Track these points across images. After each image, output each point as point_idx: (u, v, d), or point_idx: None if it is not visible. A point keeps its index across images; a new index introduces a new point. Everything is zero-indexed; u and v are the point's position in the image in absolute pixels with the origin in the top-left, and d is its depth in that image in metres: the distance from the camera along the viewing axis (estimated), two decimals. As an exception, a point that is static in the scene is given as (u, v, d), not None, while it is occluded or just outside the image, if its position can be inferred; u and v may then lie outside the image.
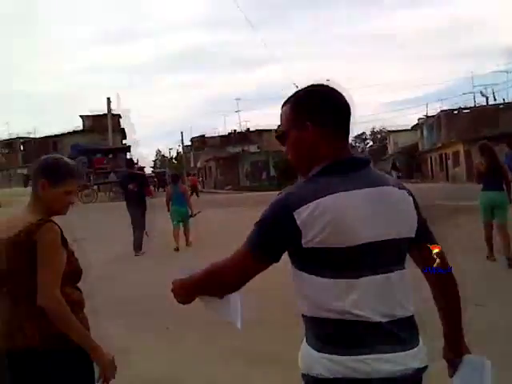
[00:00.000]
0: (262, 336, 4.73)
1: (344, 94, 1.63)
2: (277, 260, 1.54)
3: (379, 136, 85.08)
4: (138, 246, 10.31)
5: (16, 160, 44.40)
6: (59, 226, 2.14)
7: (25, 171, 42.44)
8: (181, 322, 5.30)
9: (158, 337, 5.15)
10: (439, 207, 13.78)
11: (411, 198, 1.62)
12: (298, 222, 1.44)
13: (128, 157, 29.93)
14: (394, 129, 56.31)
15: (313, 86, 1.64)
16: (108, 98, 37.64)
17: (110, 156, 31.82)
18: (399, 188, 1.62)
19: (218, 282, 1.63)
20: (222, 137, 57.16)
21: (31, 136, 48.03)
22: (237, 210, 16.42)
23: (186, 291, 1.70)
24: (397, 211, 1.56)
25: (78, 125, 46.18)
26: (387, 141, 61.30)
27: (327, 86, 1.64)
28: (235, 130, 57.54)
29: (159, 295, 5.53)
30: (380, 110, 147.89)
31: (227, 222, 13.77)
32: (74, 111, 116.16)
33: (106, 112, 38.49)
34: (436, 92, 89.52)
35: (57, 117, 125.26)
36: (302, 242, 1.45)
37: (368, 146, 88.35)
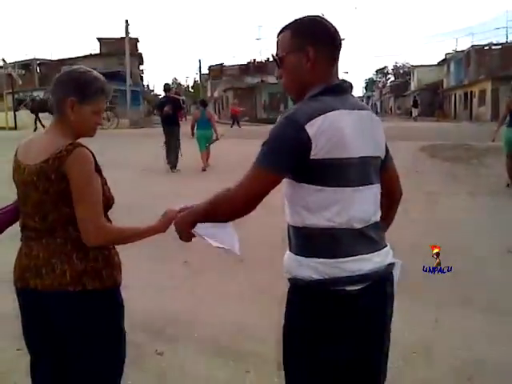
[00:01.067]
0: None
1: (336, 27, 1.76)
2: (287, 174, 1.66)
3: (402, 71, 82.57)
4: (174, 165, 11.79)
5: (33, 82, 43.84)
6: (91, 151, 1.87)
7: (41, 93, 42.06)
8: (200, 256, 5.16)
9: (176, 270, 5.00)
10: (467, 147, 13.38)
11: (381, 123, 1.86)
12: (310, 133, 1.57)
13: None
14: (418, 64, 54.33)
15: (312, 16, 1.77)
16: (126, 21, 36.40)
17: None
18: (375, 114, 1.85)
19: (229, 207, 1.69)
20: (240, 66, 55.72)
21: (48, 58, 47.25)
22: (255, 143, 16.14)
23: (189, 224, 1.79)
24: (376, 133, 1.78)
25: (95, 48, 45.25)
26: (410, 76, 59.34)
27: (324, 18, 1.76)
28: (254, 60, 56.01)
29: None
30: (406, 43, 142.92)
31: (245, 151, 13.65)
32: (93, 35, 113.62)
33: (124, 36, 37.46)
34: (467, 27, 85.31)
35: (75, 40, 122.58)
36: (312, 153, 1.59)
37: (389, 80, 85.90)
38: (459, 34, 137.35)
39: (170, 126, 12.01)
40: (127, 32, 37.13)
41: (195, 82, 76.56)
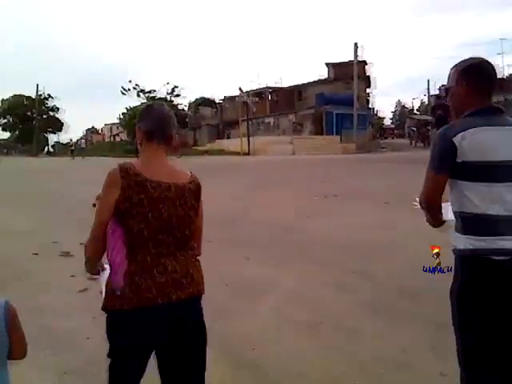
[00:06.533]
0: None
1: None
2: (448, 175, 2.23)
3: None
4: None
5: (264, 109, 46.30)
6: None
7: (272, 120, 44.03)
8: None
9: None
10: None
11: None
12: (456, 143, 2.17)
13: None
14: None
15: (473, 58, 2.36)
16: (355, 44, 36.00)
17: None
18: None
19: (430, 205, 2.30)
20: (477, 84, 50.55)
21: (278, 86, 49.49)
22: None
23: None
24: None
25: (323, 74, 45.83)
26: None
27: (483, 60, 2.34)
28: (494, 76, 50.26)
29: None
30: None
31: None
32: (319, 62, 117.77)
33: (352, 59, 37.02)
34: None
35: (304, 66, 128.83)
36: (458, 158, 2.17)
37: None
38: None
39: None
40: (356, 55, 36.60)
41: (422, 103, 72.77)
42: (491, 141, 2.17)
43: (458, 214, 2.23)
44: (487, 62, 2.33)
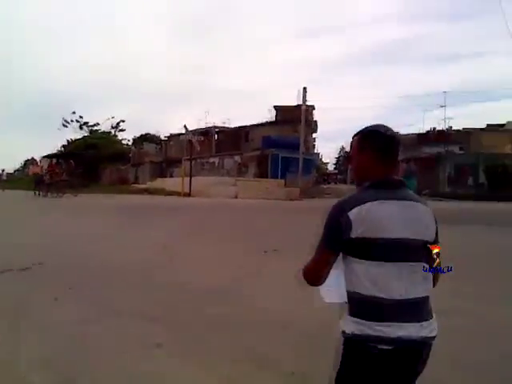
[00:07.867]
0: None
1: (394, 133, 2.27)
2: (338, 252, 2.10)
3: None
4: None
5: (210, 148, 45.25)
6: None
7: (217, 160, 42.97)
8: None
9: None
10: None
11: (432, 213, 2.20)
12: (352, 218, 2.03)
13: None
14: None
15: (375, 126, 2.26)
16: (304, 88, 35.86)
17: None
18: (424, 204, 2.19)
19: (311, 276, 2.16)
20: (418, 134, 51.83)
21: (226, 126, 48.72)
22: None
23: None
24: (421, 220, 2.13)
25: (268, 117, 45.55)
26: None
27: (387, 127, 2.23)
28: (434, 128, 51.94)
29: None
30: None
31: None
32: (265, 105, 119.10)
33: (299, 103, 36.85)
34: None
35: (249, 109, 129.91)
36: (352, 233, 2.03)
37: None
38: None
39: None
40: (304, 100, 36.43)
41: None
42: (388, 216, 2.05)
43: (348, 293, 2.09)
44: (390, 129, 2.24)
